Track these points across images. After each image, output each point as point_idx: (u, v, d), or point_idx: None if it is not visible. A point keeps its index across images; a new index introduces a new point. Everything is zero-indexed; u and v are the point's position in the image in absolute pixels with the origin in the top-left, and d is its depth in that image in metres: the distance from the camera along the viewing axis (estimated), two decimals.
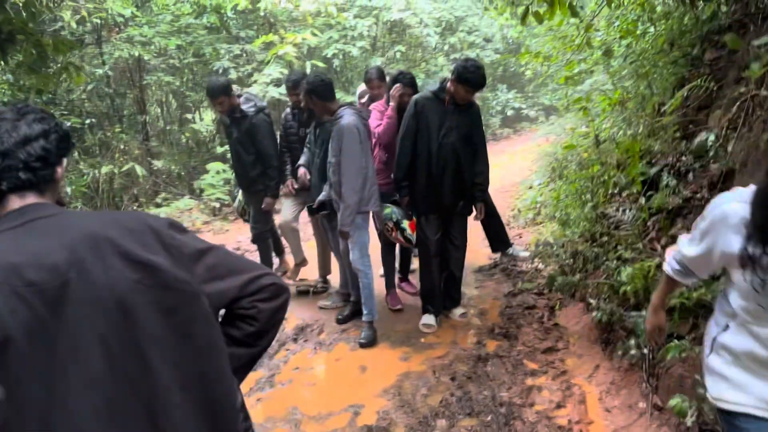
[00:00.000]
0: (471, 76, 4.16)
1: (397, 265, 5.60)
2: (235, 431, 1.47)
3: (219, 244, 1.59)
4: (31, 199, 1.39)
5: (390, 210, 4.65)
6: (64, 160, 1.49)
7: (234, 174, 6.02)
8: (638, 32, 6.35)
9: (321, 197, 4.69)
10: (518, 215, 7.67)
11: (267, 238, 5.65)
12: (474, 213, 4.77)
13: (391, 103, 4.87)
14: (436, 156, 4.42)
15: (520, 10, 6.02)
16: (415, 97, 4.51)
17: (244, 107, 5.10)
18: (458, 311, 4.93)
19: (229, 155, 6.23)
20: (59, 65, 3.60)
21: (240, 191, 5.68)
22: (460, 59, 4.41)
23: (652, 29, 6.21)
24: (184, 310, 1.38)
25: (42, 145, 1.41)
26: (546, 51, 8.49)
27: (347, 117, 4.29)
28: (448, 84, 4.30)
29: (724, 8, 4.93)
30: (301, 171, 5.13)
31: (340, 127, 4.26)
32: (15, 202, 1.38)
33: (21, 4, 3.32)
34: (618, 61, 7.88)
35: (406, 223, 4.61)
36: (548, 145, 9.36)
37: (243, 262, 1.57)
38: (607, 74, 8.62)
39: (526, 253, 5.91)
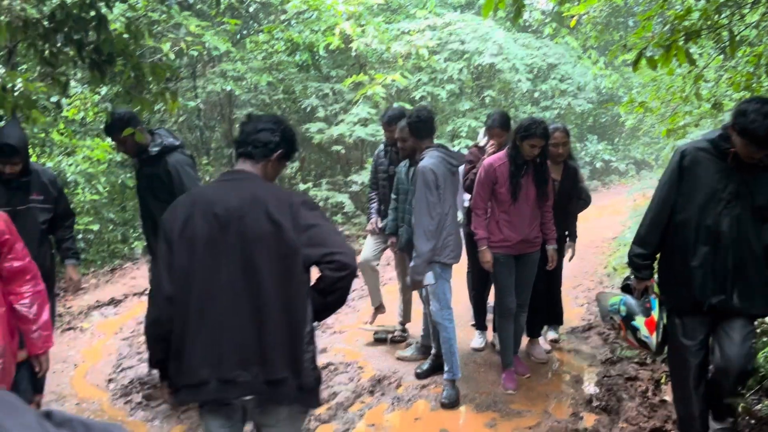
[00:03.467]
0: (754, 127, 2.77)
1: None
2: (301, 345, 2.19)
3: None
4: (246, 166, 2.34)
5: (618, 299, 3.42)
6: (280, 151, 2.35)
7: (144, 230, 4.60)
8: (755, 85, 5.86)
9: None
10: (613, 274, 7.14)
11: None
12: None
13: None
14: (708, 233, 3.03)
15: (630, 56, 5.67)
16: (683, 146, 3.15)
17: (152, 148, 4.01)
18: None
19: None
20: (155, 91, 3.50)
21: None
22: (742, 101, 3.04)
23: None
24: (291, 259, 2.17)
25: (267, 136, 2.33)
26: (648, 102, 8.04)
27: (427, 159, 4.04)
28: (731, 132, 2.93)
29: None
30: (373, 220, 5.13)
31: (417, 168, 4.05)
32: (239, 164, 2.35)
33: (124, 27, 3.26)
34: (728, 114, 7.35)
35: (640, 321, 3.29)
36: (647, 201, 8.80)
37: (333, 239, 2.23)
38: (715, 129, 8.04)
39: None
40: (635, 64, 4.78)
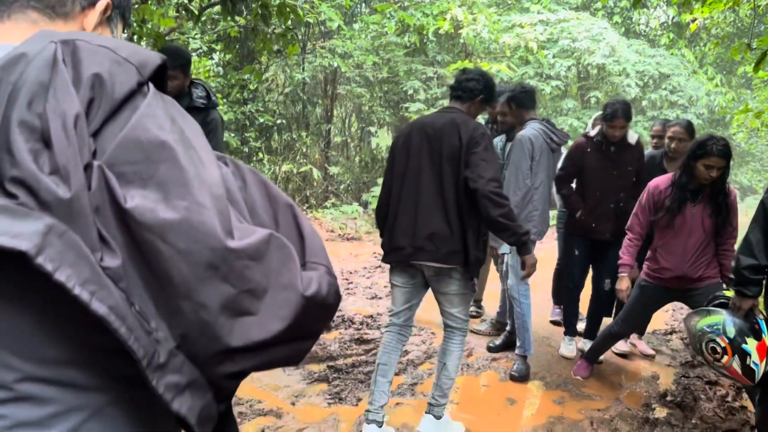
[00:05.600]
0: None
1: None
2: (470, 235, 3.00)
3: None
4: (455, 104, 3.15)
5: (721, 319, 2.98)
6: (481, 96, 3.12)
7: None
8: None
9: None
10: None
11: None
12: None
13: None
14: None
15: (750, 68, 5.45)
16: None
17: (196, 98, 3.60)
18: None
19: None
20: (278, 33, 3.70)
21: None
22: None
23: None
24: (462, 172, 2.92)
25: (472, 84, 3.10)
26: (764, 113, 7.66)
27: (528, 129, 4.03)
28: None
29: None
30: None
31: (515, 138, 4.05)
32: (452, 103, 3.18)
33: None
34: None
35: (752, 345, 2.86)
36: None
37: (476, 168, 2.88)
38: None
39: None
40: (757, 64, 4.61)
